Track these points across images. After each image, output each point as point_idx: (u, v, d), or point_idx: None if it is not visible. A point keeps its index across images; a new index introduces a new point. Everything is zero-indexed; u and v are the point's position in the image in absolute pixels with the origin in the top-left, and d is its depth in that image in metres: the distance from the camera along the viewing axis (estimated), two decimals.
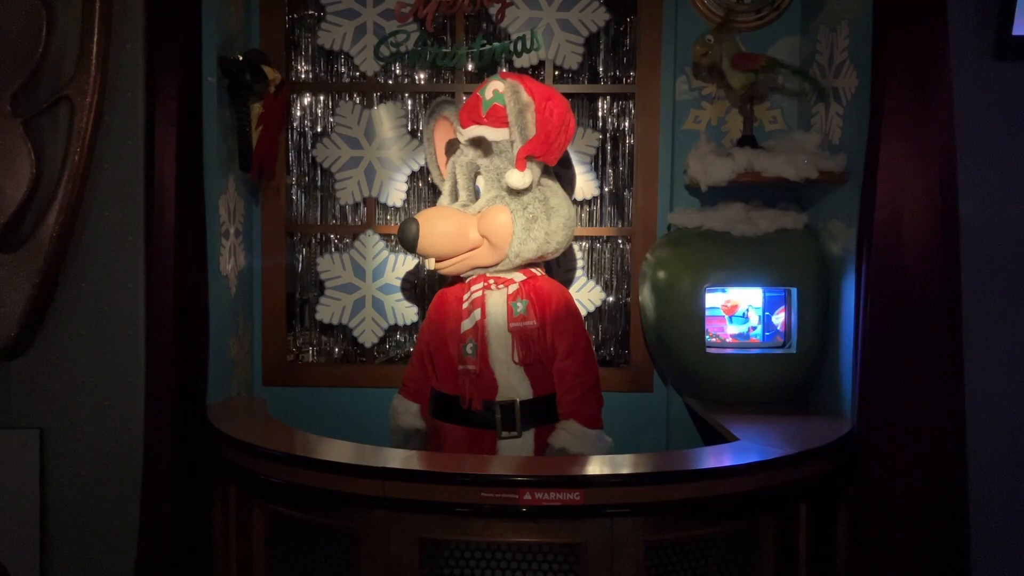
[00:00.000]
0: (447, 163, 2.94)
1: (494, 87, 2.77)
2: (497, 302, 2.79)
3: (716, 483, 2.31)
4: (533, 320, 2.77)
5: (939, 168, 2.39)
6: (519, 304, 2.77)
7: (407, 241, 2.74)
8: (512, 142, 2.72)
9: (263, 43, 3.24)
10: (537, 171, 2.75)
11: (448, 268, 2.81)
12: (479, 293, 2.80)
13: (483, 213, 2.75)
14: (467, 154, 2.84)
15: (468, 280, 2.84)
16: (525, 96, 2.70)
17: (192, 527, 2.64)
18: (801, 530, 2.38)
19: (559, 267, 3.30)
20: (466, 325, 2.79)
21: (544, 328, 2.77)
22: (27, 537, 2.66)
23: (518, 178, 2.68)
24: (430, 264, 2.84)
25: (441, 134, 2.99)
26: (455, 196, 2.90)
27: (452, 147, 2.93)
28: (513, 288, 2.79)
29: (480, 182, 2.83)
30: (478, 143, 2.81)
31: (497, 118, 2.74)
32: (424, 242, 2.73)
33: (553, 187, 2.84)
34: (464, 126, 2.83)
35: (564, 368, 2.77)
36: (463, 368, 2.77)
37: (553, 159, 2.76)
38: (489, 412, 2.76)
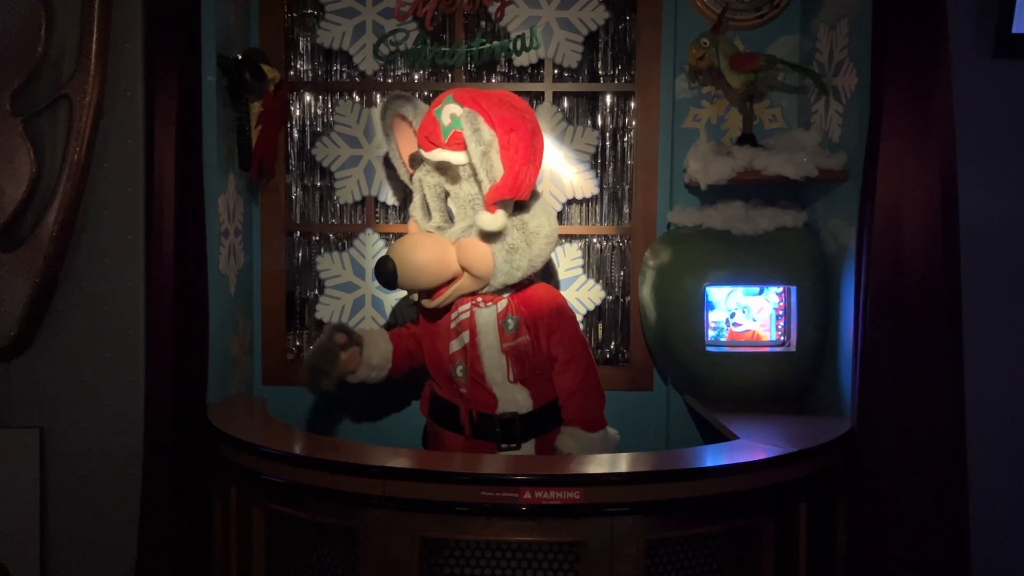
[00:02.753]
0: (414, 177, 2.82)
1: (451, 111, 2.62)
2: (487, 321, 2.72)
3: (716, 482, 2.31)
4: (526, 335, 2.71)
5: (939, 166, 2.39)
6: (510, 321, 2.71)
7: (385, 280, 2.65)
8: (480, 182, 2.61)
9: (262, 42, 3.24)
10: (510, 205, 2.65)
11: (440, 303, 2.73)
12: (467, 314, 2.73)
13: (460, 245, 2.65)
14: (434, 176, 2.73)
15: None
16: (487, 133, 2.54)
17: (192, 527, 2.64)
18: (801, 529, 2.38)
19: (559, 266, 3.29)
20: (454, 346, 2.74)
21: (538, 340, 2.73)
22: (27, 537, 2.66)
23: (489, 222, 2.57)
24: (414, 298, 2.77)
25: (399, 133, 2.89)
26: (427, 211, 2.80)
27: (416, 159, 2.79)
28: (503, 305, 2.72)
29: (451, 204, 2.75)
30: (443, 167, 2.70)
31: (459, 143, 2.60)
32: (404, 278, 2.64)
33: (531, 208, 2.73)
34: (426, 149, 2.70)
35: (564, 376, 2.75)
36: (455, 389, 2.76)
37: (525, 195, 2.63)
38: (488, 426, 2.74)
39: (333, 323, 2.82)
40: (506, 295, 2.74)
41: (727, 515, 2.33)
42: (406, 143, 2.88)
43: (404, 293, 3.33)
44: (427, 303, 2.74)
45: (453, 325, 2.75)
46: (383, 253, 3.17)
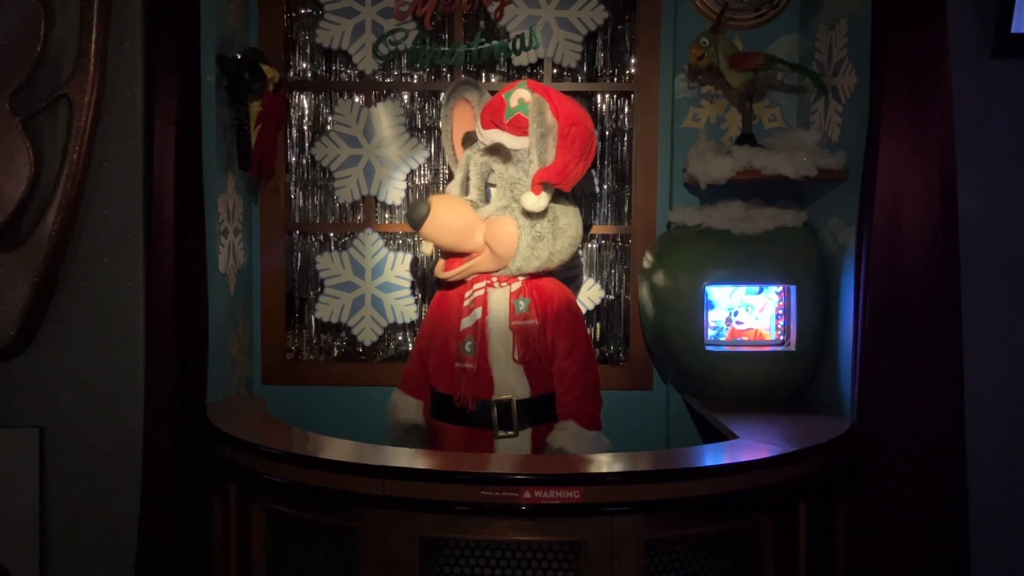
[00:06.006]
0: (463, 153, 2.92)
1: (520, 96, 2.72)
2: (499, 300, 2.78)
3: (716, 481, 2.31)
4: (535, 319, 2.76)
5: (938, 165, 2.39)
6: (521, 302, 2.77)
7: (415, 221, 2.73)
8: (530, 160, 2.68)
9: (262, 42, 3.24)
10: (552, 192, 2.71)
11: (453, 276, 2.80)
12: (481, 291, 2.79)
13: (491, 222, 2.73)
14: (484, 155, 2.82)
15: (470, 279, 2.84)
16: (550, 119, 2.64)
17: (192, 526, 2.63)
18: (801, 528, 2.39)
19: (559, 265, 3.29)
20: (466, 323, 2.78)
21: (545, 327, 2.76)
22: (27, 537, 2.66)
23: (533, 202, 2.66)
24: (427, 248, 2.83)
25: (460, 115, 2.96)
26: (465, 189, 2.88)
27: (469, 137, 2.91)
28: (516, 286, 2.79)
29: (493, 181, 2.82)
30: (496, 148, 2.79)
31: (519, 127, 2.71)
32: (430, 227, 2.72)
33: (564, 208, 2.80)
34: (485, 127, 2.80)
35: (564, 368, 2.77)
36: (460, 366, 2.77)
37: (569, 187, 2.71)
38: (485, 411, 2.75)
39: (401, 429, 2.97)
40: (521, 279, 2.80)
41: (727, 515, 2.33)
42: (463, 125, 2.96)
43: (405, 290, 3.34)
44: (441, 273, 2.82)
45: (467, 303, 2.80)
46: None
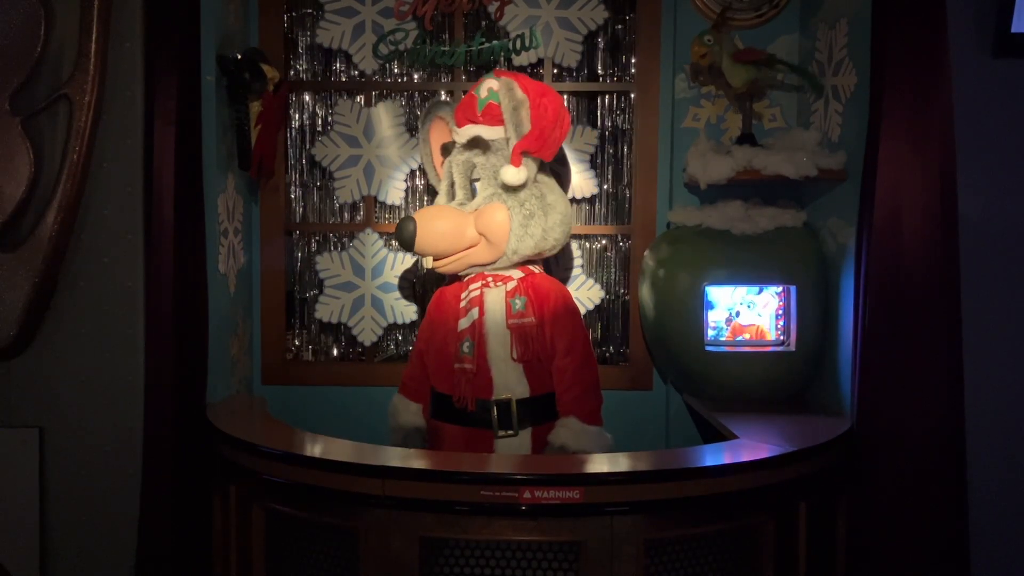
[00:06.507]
0: (443, 163, 2.94)
1: (489, 85, 2.78)
2: (495, 299, 2.79)
3: (716, 481, 2.31)
4: (532, 317, 2.76)
5: (938, 165, 2.39)
6: (517, 301, 2.77)
7: (404, 240, 2.75)
8: (507, 139, 2.73)
9: (262, 42, 3.24)
10: (533, 168, 2.75)
11: (445, 267, 2.81)
12: (477, 292, 2.80)
13: (480, 211, 2.75)
14: (463, 153, 2.84)
15: (467, 279, 2.84)
16: (520, 93, 2.71)
17: (192, 526, 2.64)
18: (801, 528, 2.38)
19: (558, 265, 3.29)
20: (463, 323, 2.79)
21: (543, 325, 2.77)
22: (27, 537, 2.66)
23: (513, 174, 2.69)
24: (427, 263, 2.84)
25: (437, 135, 2.99)
26: (451, 196, 2.90)
27: (448, 147, 2.93)
28: (511, 285, 2.80)
29: (477, 174, 2.82)
30: (474, 142, 2.81)
31: (492, 116, 2.76)
32: (421, 241, 2.74)
33: (550, 184, 2.85)
34: (460, 125, 2.83)
35: (563, 366, 2.77)
36: (459, 367, 2.77)
37: (548, 155, 2.77)
38: (485, 411, 2.76)
39: (402, 432, 2.96)
40: (516, 278, 2.79)
41: (727, 515, 2.33)
42: (441, 140, 2.99)
43: (405, 290, 3.34)
44: (435, 264, 2.82)
45: (463, 304, 2.80)
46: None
